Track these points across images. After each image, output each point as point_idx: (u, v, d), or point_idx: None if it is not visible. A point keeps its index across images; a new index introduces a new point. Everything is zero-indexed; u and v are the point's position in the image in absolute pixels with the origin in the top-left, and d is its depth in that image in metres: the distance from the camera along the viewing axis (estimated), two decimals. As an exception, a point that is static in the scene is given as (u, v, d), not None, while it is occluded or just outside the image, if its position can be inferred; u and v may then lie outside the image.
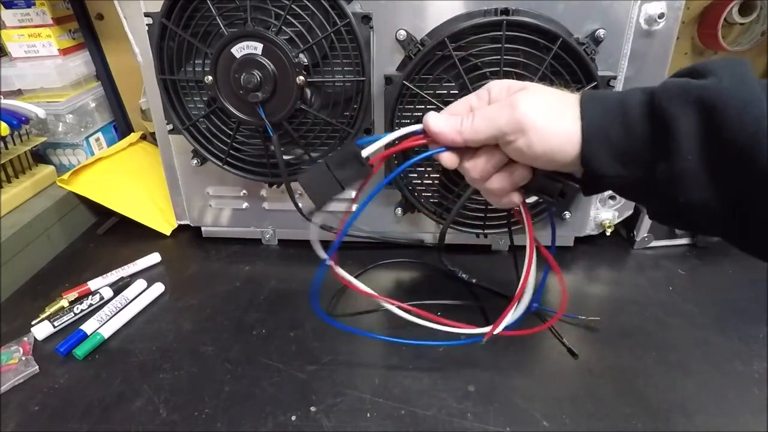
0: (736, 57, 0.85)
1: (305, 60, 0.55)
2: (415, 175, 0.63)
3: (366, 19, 0.55)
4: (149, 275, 0.68)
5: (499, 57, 0.53)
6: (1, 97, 0.75)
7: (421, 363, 0.53)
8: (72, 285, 0.65)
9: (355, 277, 0.66)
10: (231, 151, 0.63)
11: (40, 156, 0.83)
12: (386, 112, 0.58)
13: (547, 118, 0.34)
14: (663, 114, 0.30)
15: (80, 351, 0.55)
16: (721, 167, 0.28)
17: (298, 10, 0.54)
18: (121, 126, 0.93)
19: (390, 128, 0.58)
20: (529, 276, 0.45)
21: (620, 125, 0.32)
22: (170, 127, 0.64)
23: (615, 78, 0.55)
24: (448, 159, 0.39)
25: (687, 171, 0.29)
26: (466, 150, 0.38)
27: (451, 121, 0.37)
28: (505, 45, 0.52)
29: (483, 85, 0.54)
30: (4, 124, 0.69)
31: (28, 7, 0.78)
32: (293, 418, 0.47)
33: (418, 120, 0.60)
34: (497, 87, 0.38)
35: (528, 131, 0.34)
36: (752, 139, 0.26)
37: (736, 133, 0.27)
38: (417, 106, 0.58)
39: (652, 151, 0.31)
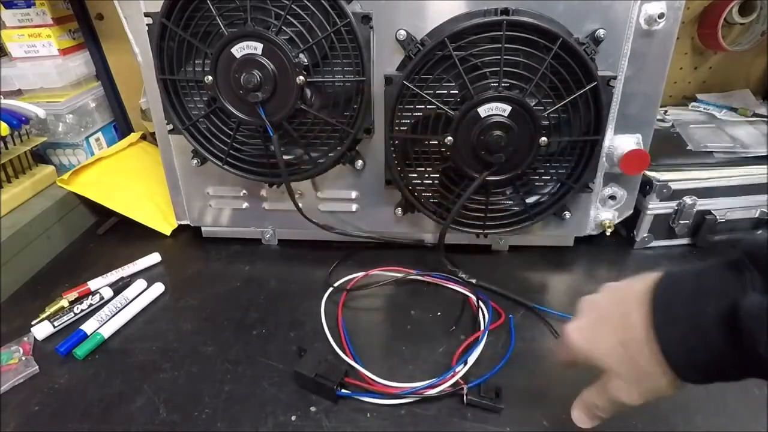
0: (737, 55, 0.86)
1: (305, 60, 0.55)
2: (415, 175, 0.63)
3: (366, 19, 0.55)
4: (149, 275, 0.68)
5: (499, 57, 0.53)
6: (1, 97, 0.75)
7: (421, 363, 0.53)
8: (72, 285, 0.65)
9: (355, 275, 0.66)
10: (231, 151, 0.63)
11: (40, 156, 0.83)
12: (386, 112, 0.58)
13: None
14: (754, 349, 0.27)
15: (80, 351, 0.55)
16: None
17: (298, 10, 0.54)
18: (121, 126, 0.93)
19: (390, 129, 0.59)
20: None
21: (703, 351, 0.30)
22: (170, 127, 0.64)
23: (615, 78, 0.55)
24: None
25: None
26: None
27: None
28: (505, 45, 0.52)
29: (483, 85, 0.55)
30: (4, 124, 0.69)
31: (28, 7, 0.78)
32: (293, 418, 0.47)
33: (418, 120, 0.60)
34: None
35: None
36: None
37: None
38: (417, 106, 0.58)
39: (741, 368, 0.30)
